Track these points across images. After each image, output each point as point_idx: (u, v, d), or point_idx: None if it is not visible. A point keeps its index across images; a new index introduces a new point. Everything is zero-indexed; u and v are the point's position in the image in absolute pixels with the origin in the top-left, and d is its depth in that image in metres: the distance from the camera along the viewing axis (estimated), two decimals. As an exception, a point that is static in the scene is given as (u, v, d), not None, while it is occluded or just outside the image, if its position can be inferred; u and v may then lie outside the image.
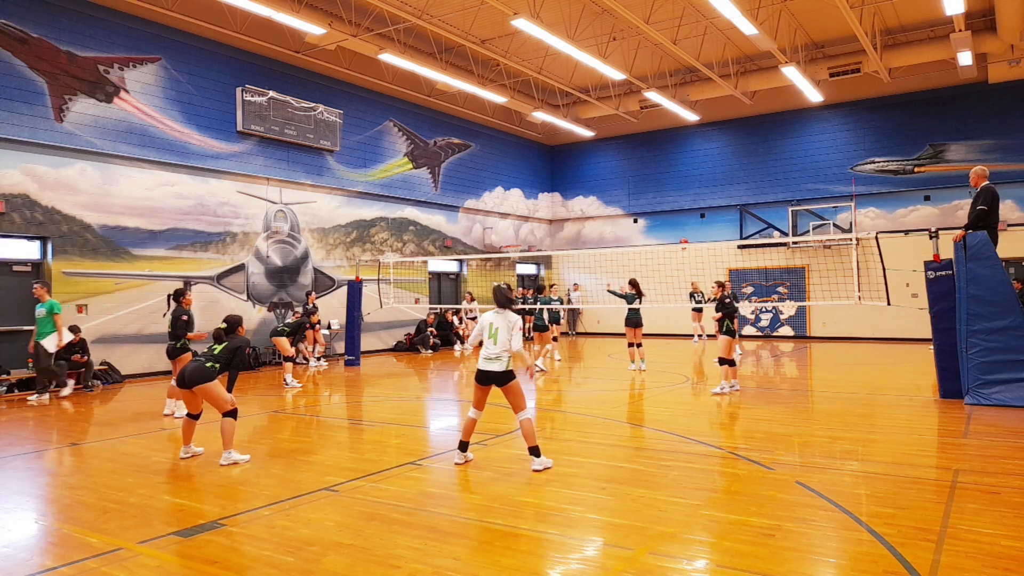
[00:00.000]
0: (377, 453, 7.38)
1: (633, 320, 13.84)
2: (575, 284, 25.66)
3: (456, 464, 6.65)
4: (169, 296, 9.79)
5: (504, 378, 6.44)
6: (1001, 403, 9.00)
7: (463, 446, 6.69)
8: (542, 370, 14.25)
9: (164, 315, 9.74)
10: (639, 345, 13.95)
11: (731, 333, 10.84)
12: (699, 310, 19.81)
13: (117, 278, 14.00)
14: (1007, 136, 19.55)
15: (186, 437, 7.14)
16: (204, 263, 15.58)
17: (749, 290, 23.07)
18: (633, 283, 13.85)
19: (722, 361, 10.94)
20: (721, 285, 11.34)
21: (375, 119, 20.08)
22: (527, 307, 16.42)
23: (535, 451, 6.43)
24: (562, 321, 16.87)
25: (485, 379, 6.52)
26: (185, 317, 9.51)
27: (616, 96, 22.33)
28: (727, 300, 10.97)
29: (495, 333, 6.52)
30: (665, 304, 19.83)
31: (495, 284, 7.00)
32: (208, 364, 6.82)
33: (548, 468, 6.40)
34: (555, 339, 16.10)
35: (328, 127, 18.21)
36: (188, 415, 7.10)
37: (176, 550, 4.57)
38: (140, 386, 13.26)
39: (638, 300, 13.73)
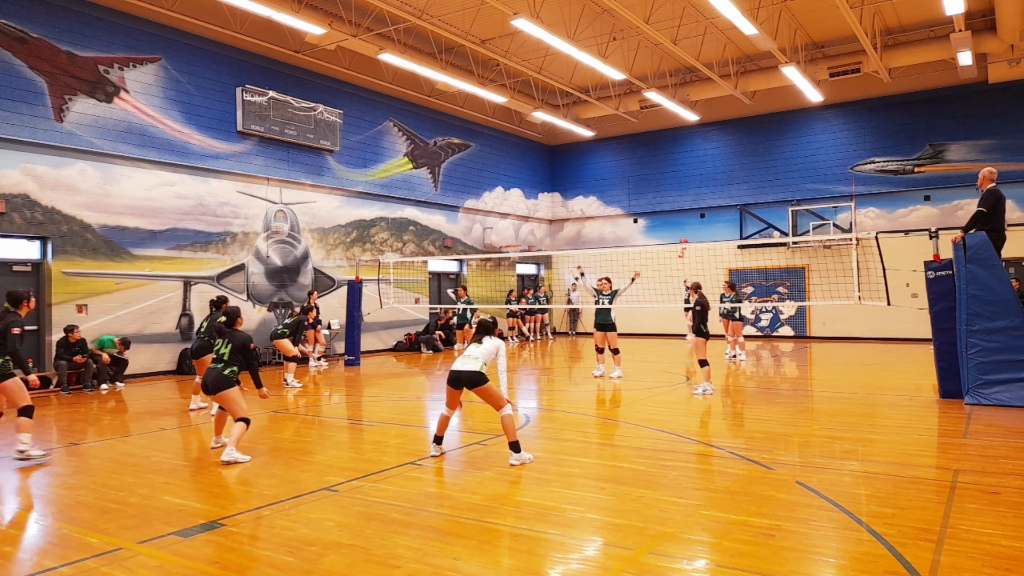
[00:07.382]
0: (377, 453, 7.38)
1: (602, 323, 12.87)
2: (573, 284, 25.63)
3: (432, 456, 6.90)
4: (211, 302, 10.24)
5: (476, 379, 6.60)
6: (1001, 403, 9.00)
7: (438, 440, 6.98)
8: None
9: (204, 323, 10.14)
10: (615, 351, 12.91)
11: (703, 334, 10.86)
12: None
13: (117, 278, 13.99)
14: (1007, 136, 19.54)
15: (218, 428, 7.56)
16: (204, 263, 15.57)
17: (749, 290, 23.07)
18: (607, 280, 12.95)
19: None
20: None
21: (375, 119, 20.07)
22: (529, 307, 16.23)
23: (515, 446, 6.59)
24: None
25: (457, 381, 6.72)
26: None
27: (616, 96, 22.32)
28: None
29: (480, 347, 6.88)
30: (665, 304, 19.83)
31: (481, 317, 7.29)
32: (227, 372, 7.05)
33: (526, 463, 6.53)
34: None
35: (328, 127, 18.21)
36: (220, 408, 7.46)
37: (176, 550, 4.57)
38: (140, 386, 13.25)
39: (605, 299, 12.76)
